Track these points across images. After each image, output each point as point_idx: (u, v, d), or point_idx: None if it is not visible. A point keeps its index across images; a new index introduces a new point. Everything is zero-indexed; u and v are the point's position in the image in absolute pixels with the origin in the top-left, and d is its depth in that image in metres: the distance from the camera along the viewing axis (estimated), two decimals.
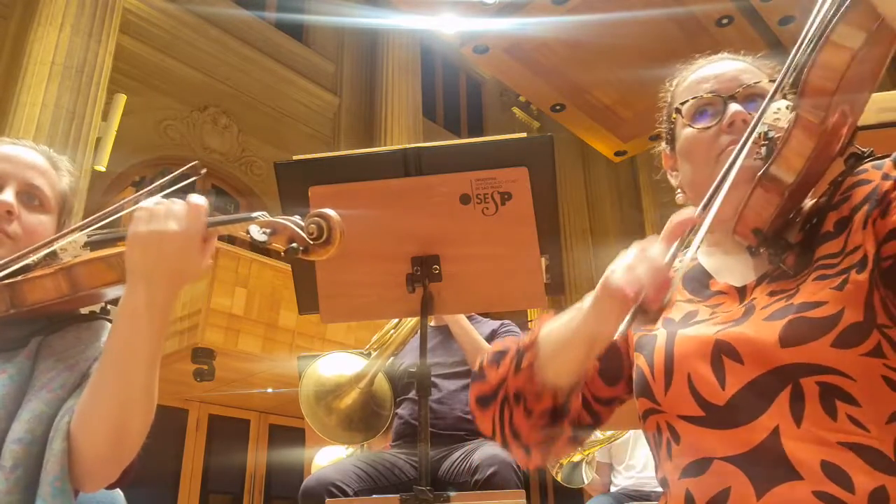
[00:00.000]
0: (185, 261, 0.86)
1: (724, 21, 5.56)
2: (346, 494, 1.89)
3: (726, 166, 0.74)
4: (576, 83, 6.34)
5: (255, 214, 0.87)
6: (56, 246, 0.98)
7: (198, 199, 0.87)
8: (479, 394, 0.89)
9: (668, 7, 5.48)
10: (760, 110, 0.77)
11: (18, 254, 0.97)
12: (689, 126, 0.92)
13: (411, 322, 2.17)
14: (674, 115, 0.96)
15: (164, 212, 0.86)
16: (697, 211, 0.71)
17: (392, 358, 2.29)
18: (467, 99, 13.07)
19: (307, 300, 1.55)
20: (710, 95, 0.90)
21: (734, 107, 0.88)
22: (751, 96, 0.89)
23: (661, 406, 0.80)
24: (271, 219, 0.87)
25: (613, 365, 0.92)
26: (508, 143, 1.44)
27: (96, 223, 1.01)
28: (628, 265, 0.68)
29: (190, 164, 1.10)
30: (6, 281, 0.94)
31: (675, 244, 0.67)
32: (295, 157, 1.48)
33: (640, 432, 3.27)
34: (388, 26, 9.94)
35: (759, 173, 0.76)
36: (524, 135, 1.45)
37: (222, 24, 9.13)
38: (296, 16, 10.07)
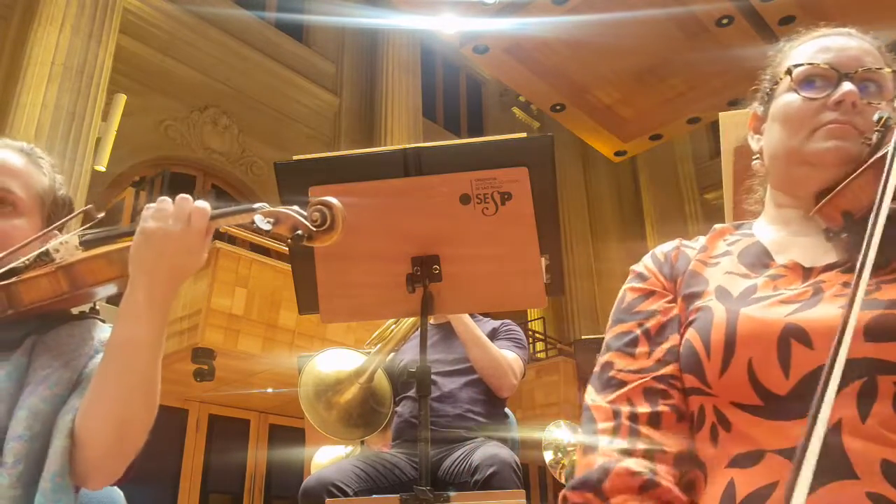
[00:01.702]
0: (187, 257, 0.89)
1: (724, 21, 5.55)
2: (346, 494, 1.89)
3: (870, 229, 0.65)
4: (576, 83, 6.33)
5: (255, 206, 0.90)
6: (49, 245, 0.98)
7: (201, 204, 0.91)
8: None
9: (668, 7, 5.47)
10: None
11: (9, 251, 0.97)
12: (795, 91, 0.87)
13: (412, 318, 2.17)
14: (781, 76, 0.91)
15: (168, 210, 0.89)
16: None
17: (392, 354, 2.29)
18: (467, 99, 13.07)
19: (307, 300, 1.54)
20: (826, 66, 0.86)
21: (847, 86, 0.83)
22: (867, 80, 0.85)
23: (712, 389, 0.75)
24: (273, 208, 0.89)
25: None
26: (508, 143, 1.44)
27: (89, 229, 1.02)
28: None
29: (82, 209, 1.11)
30: (2, 282, 0.94)
31: None
32: (295, 157, 1.48)
33: None
34: (388, 26, 9.95)
35: (877, 157, 0.71)
36: (524, 135, 1.44)
37: (222, 24, 9.14)
38: (296, 16, 10.08)
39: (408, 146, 1.46)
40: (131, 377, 0.88)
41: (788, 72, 0.89)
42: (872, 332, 0.68)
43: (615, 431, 0.78)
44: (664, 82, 6.25)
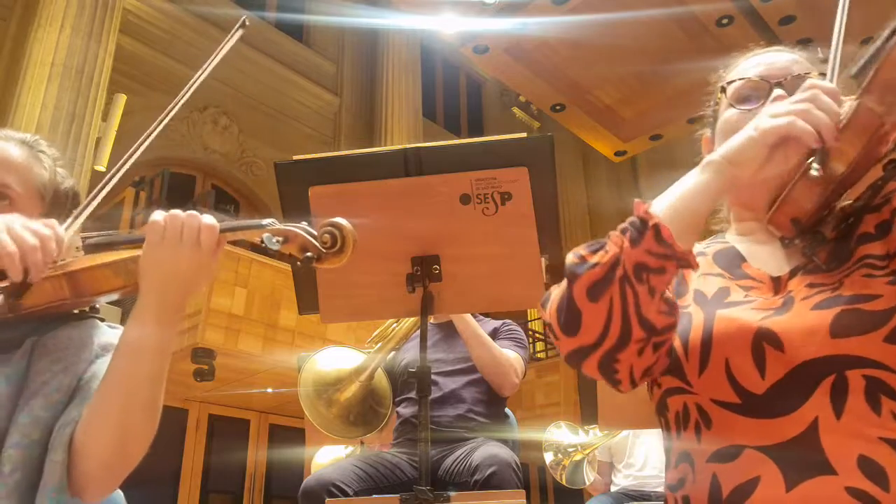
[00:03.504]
0: (198, 274, 0.88)
1: (725, 21, 5.55)
2: (346, 494, 1.88)
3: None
4: (576, 83, 6.32)
5: (264, 222, 0.88)
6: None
7: (209, 220, 0.88)
8: (590, 283, 0.74)
9: (668, 7, 5.47)
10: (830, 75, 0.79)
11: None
12: (732, 106, 0.92)
13: (413, 317, 2.17)
14: (719, 95, 0.96)
15: (178, 229, 0.86)
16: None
17: (393, 353, 2.29)
18: (467, 99, 13.07)
19: (307, 300, 1.54)
20: (757, 79, 0.91)
21: (778, 92, 0.88)
22: (798, 87, 0.87)
23: (693, 388, 0.79)
24: (282, 227, 0.88)
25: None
26: (508, 143, 1.44)
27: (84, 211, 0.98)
28: (795, 110, 0.71)
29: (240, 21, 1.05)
30: (2, 284, 0.91)
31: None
32: (295, 157, 1.47)
33: (638, 431, 3.29)
34: (388, 26, 9.95)
35: (809, 161, 0.75)
36: (524, 135, 1.44)
37: (222, 23, 9.13)
38: (296, 16, 10.08)
39: (408, 146, 1.46)
40: (136, 393, 0.87)
41: (723, 90, 0.94)
42: (837, 328, 0.71)
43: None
44: (664, 82, 6.25)
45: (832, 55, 0.79)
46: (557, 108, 6.66)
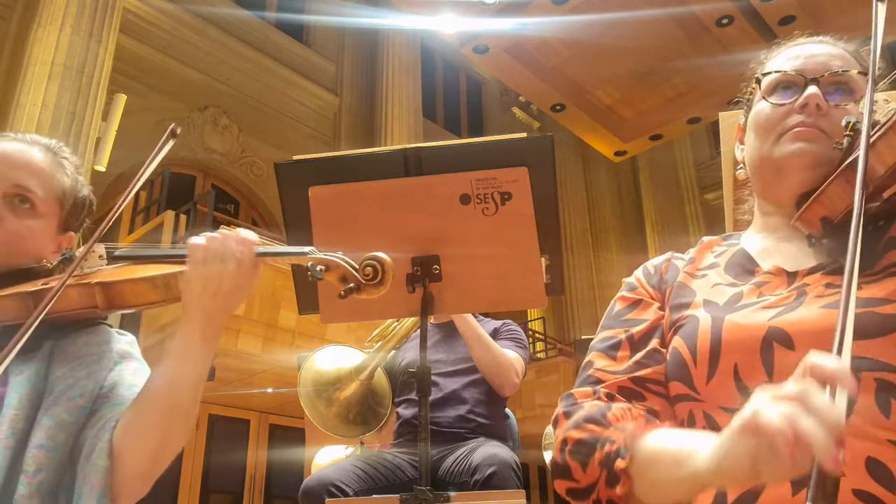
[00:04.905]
0: (241, 292, 0.92)
1: (725, 21, 5.56)
2: (346, 494, 1.89)
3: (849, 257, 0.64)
4: (576, 83, 6.33)
5: (306, 249, 0.92)
6: (78, 252, 0.96)
7: (247, 234, 0.92)
8: (568, 489, 0.80)
9: (668, 7, 5.47)
10: (868, 100, 0.73)
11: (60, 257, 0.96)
12: (765, 99, 0.89)
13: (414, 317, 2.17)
14: (753, 86, 0.93)
15: (219, 250, 0.90)
16: (834, 351, 0.58)
17: (394, 352, 2.29)
18: (467, 99, 13.07)
19: (307, 300, 1.54)
20: (793, 73, 0.88)
21: (812, 89, 0.85)
22: (835, 84, 0.86)
23: (700, 395, 0.77)
24: (323, 256, 0.91)
25: None
26: (508, 143, 1.44)
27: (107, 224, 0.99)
28: (788, 413, 0.51)
29: (169, 130, 1.06)
30: (30, 289, 0.92)
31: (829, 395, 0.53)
32: (295, 157, 1.47)
33: None
34: (388, 26, 9.95)
35: (847, 163, 0.73)
36: (524, 135, 1.44)
37: (222, 24, 9.14)
38: (296, 16, 10.08)
39: (408, 146, 1.46)
40: (177, 405, 0.90)
41: (758, 81, 0.91)
42: (854, 330, 0.69)
43: (594, 396, 0.83)
44: (664, 82, 6.25)
45: (872, 56, 0.76)
46: (557, 108, 6.67)
